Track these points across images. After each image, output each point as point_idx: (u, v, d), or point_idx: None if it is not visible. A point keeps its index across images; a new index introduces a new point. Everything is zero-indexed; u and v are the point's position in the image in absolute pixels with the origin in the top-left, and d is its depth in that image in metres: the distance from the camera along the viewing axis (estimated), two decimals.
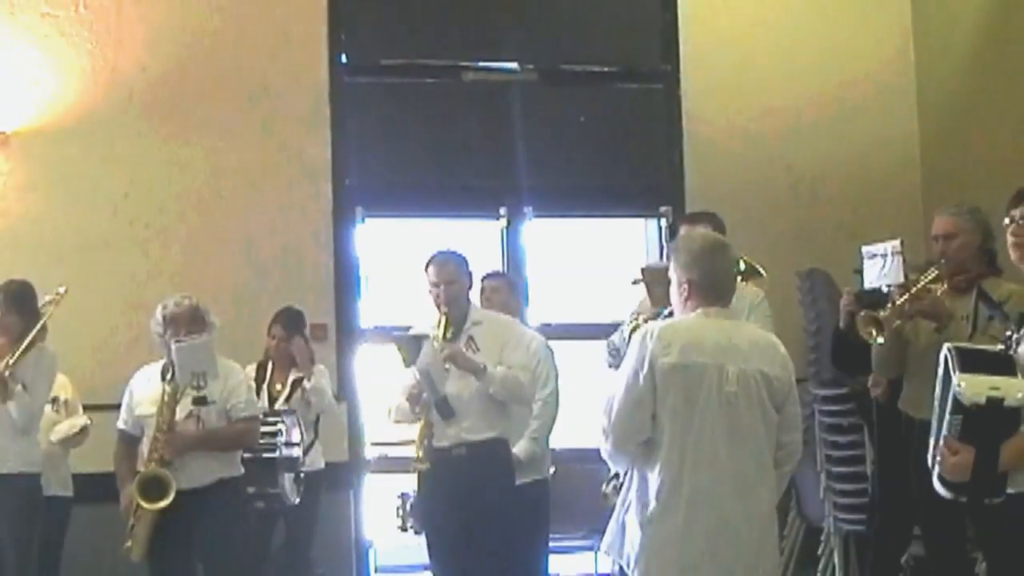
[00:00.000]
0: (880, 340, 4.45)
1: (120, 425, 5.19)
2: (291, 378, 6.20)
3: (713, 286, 3.59)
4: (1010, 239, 3.68)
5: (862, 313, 4.50)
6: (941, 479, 3.37)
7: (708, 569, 3.44)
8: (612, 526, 3.63)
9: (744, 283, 4.91)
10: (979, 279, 4.61)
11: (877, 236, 7.10)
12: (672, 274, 3.66)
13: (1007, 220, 3.67)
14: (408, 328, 5.31)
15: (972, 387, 3.31)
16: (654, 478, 3.45)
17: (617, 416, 3.48)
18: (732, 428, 3.47)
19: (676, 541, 3.44)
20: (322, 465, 6.30)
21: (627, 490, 3.57)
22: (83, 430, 6.04)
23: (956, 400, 3.31)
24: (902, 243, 4.54)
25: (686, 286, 3.58)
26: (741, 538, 3.48)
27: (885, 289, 4.58)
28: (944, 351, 3.41)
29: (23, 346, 5.29)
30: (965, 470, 3.25)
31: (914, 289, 4.46)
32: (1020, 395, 3.29)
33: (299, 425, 6.10)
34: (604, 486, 4.40)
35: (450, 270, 5.06)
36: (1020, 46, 7.23)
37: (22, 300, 5.44)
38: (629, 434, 3.48)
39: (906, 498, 4.76)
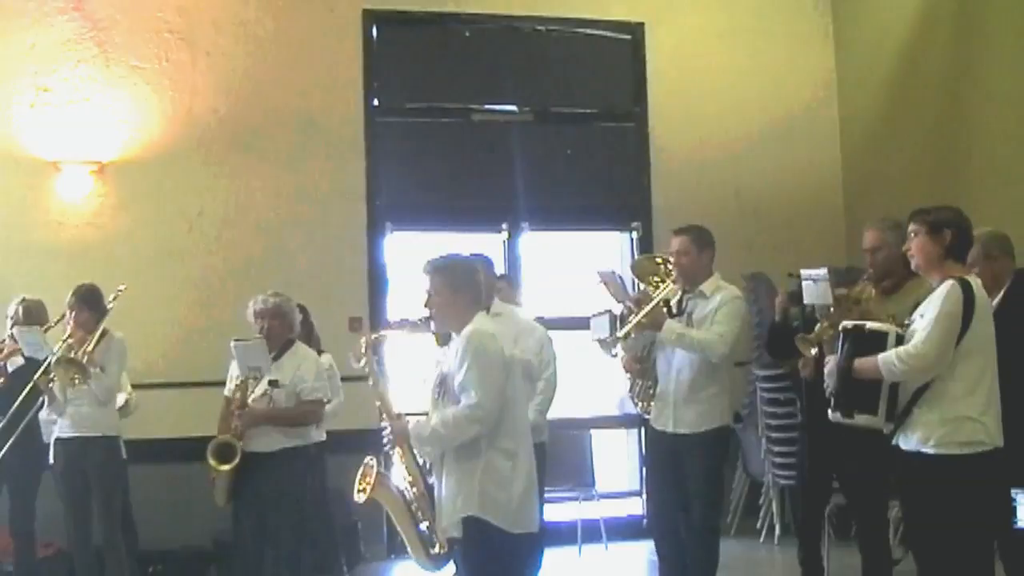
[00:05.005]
0: (813, 352, 4.65)
1: (225, 393, 5.59)
2: None
3: (477, 296, 4.14)
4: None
5: (799, 335, 4.69)
6: (830, 403, 4.20)
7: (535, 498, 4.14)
8: (463, 502, 3.99)
9: (722, 283, 5.38)
10: (903, 282, 4.78)
11: (808, 245, 8.07)
12: (441, 291, 4.09)
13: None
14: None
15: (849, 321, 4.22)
16: (505, 446, 4.00)
17: (492, 403, 3.93)
18: (521, 397, 4.19)
19: (530, 486, 4.06)
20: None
21: (467, 469, 4.00)
22: (126, 404, 6.29)
23: (840, 335, 4.15)
24: (828, 271, 4.72)
25: (462, 301, 4.08)
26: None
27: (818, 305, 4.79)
28: (840, 327, 4.26)
29: (96, 337, 5.77)
30: (833, 370, 4.15)
31: (844, 304, 4.61)
32: (878, 325, 4.13)
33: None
34: None
35: None
36: (925, 88, 7.89)
37: (92, 299, 5.86)
38: (496, 414, 3.97)
39: (827, 457, 5.20)
